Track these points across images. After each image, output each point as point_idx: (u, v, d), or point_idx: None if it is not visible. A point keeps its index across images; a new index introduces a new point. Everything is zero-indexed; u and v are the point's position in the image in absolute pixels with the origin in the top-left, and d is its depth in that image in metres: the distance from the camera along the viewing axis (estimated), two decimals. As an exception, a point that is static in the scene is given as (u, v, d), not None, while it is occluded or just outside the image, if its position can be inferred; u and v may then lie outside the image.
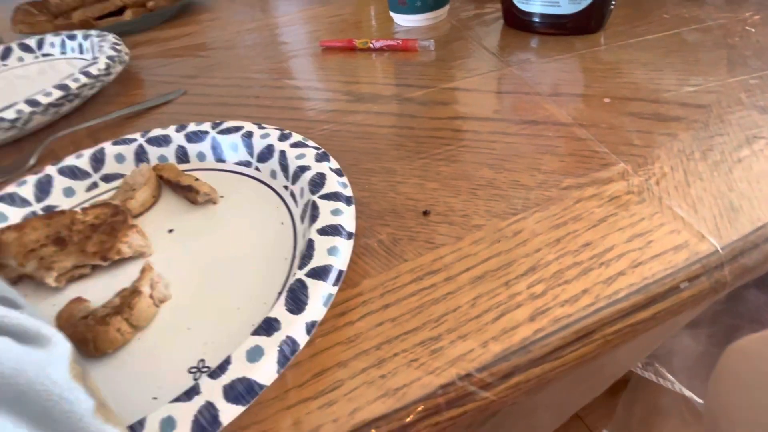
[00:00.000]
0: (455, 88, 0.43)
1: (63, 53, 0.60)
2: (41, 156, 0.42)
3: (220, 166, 0.36)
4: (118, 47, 0.53)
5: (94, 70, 0.48)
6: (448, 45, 0.51)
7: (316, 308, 0.22)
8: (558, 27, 0.48)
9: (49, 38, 0.60)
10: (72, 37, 0.60)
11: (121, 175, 0.37)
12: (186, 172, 0.35)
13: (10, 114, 0.42)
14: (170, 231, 0.31)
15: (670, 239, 0.26)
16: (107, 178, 0.37)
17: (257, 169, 0.35)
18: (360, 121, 0.40)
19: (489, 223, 0.28)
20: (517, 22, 0.50)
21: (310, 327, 0.21)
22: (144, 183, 0.33)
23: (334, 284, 0.23)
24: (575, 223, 0.27)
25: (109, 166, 0.37)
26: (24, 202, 0.34)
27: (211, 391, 0.19)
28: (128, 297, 0.25)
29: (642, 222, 0.27)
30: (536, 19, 0.48)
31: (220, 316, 0.25)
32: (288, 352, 0.20)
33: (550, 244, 0.26)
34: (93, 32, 0.58)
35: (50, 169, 0.35)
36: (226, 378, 0.19)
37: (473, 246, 0.27)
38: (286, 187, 0.32)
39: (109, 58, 0.50)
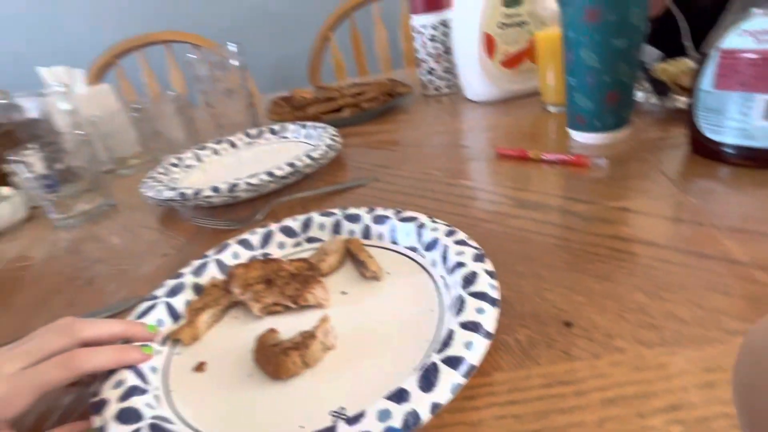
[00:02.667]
0: (622, 207, 0.43)
1: (296, 138, 0.79)
2: (267, 214, 0.55)
3: (393, 246, 0.43)
4: (335, 138, 0.68)
5: (315, 155, 0.62)
6: (623, 165, 0.52)
7: (443, 392, 0.25)
8: (754, 159, 0.45)
9: (288, 126, 0.80)
10: (304, 126, 0.78)
11: (320, 240, 0.46)
12: (366, 247, 0.43)
13: (254, 180, 0.57)
14: (343, 293, 0.39)
15: None
16: (310, 240, 0.47)
17: (422, 255, 0.41)
18: (520, 225, 0.44)
19: (632, 349, 0.28)
20: (705, 150, 0.49)
21: (434, 408, 0.25)
22: (335, 251, 0.42)
23: (464, 376, 0.26)
24: (734, 372, 0.26)
25: (313, 231, 0.47)
26: (251, 247, 0.45)
27: None
28: (307, 338, 0.32)
29: (824, 390, 0.24)
30: (729, 150, 0.47)
31: (365, 375, 0.30)
32: (411, 422, 0.24)
33: (699, 386, 0.25)
34: (319, 124, 0.75)
35: (273, 226, 0.47)
36: (358, 428, 0.24)
37: (611, 367, 0.27)
38: (442, 277, 0.37)
39: (328, 146, 0.64)
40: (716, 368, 0.26)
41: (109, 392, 0.30)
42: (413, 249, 0.42)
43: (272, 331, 0.34)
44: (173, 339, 0.36)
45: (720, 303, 0.30)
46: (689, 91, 0.49)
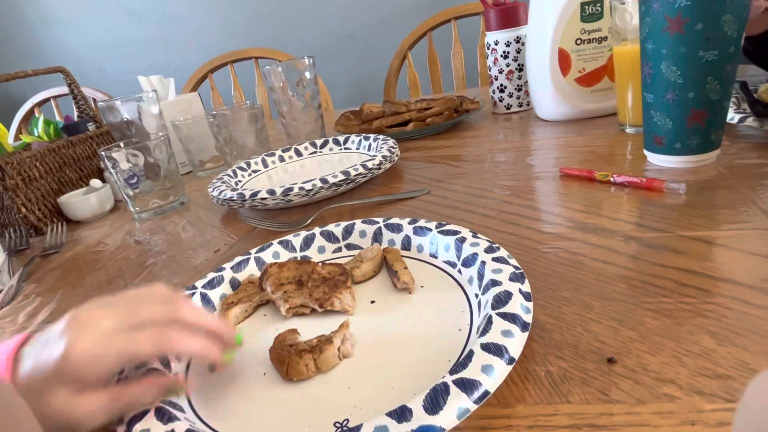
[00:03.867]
0: (698, 238, 0.38)
1: (358, 149, 0.79)
2: (315, 219, 0.56)
3: (431, 260, 0.41)
4: (392, 150, 0.67)
5: (369, 164, 0.61)
6: (706, 192, 0.45)
7: (448, 417, 0.23)
8: None
9: (352, 137, 0.81)
10: (366, 138, 0.78)
11: (360, 247, 0.46)
12: (404, 259, 0.41)
13: (308, 186, 0.58)
14: (372, 302, 0.37)
15: None
16: (350, 247, 0.46)
17: (459, 271, 0.38)
18: (574, 248, 0.40)
19: (687, 399, 0.24)
20: (812, 179, 0.42)
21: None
22: (371, 259, 0.40)
23: (476, 402, 0.23)
24: (820, 444, 0.21)
25: (354, 238, 0.46)
26: (292, 248, 0.46)
27: None
28: (323, 342, 0.31)
29: None
30: (842, 180, 0.39)
31: (376, 388, 0.28)
32: (412, 446, 0.22)
33: (767, 455, 0.20)
34: (381, 136, 0.75)
35: (316, 230, 0.47)
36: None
37: (656, 417, 0.23)
38: (476, 296, 0.34)
39: (384, 157, 0.64)
40: (795, 436, 0.21)
41: (130, 370, 0.31)
42: (452, 264, 0.39)
43: (292, 331, 0.34)
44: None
45: (810, 358, 0.25)
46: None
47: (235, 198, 0.61)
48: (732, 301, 0.30)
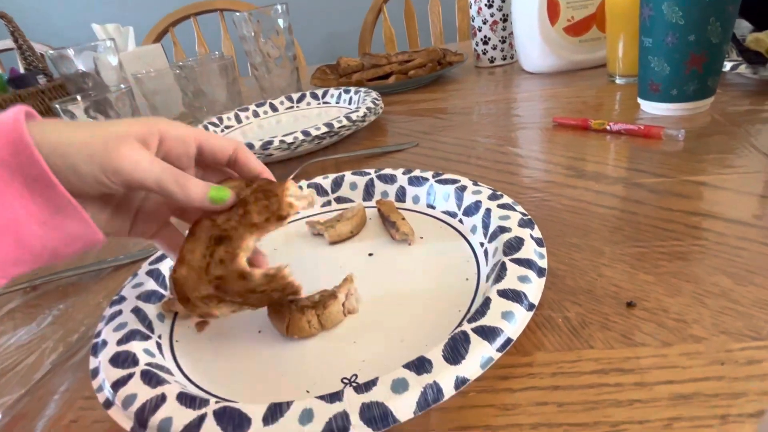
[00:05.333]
0: (702, 182, 0.37)
1: (337, 103, 0.75)
2: (298, 174, 0.52)
3: (429, 211, 0.39)
4: (376, 102, 0.64)
5: (353, 116, 0.58)
6: (704, 138, 0.45)
7: (471, 366, 0.21)
8: None
9: (331, 91, 0.76)
10: (347, 92, 0.74)
11: (351, 200, 0.43)
12: (399, 210, 0.39)
13: (288, 139, 0.54)
14: (370, 254, 0.35)
15: None
16: (340, 200, 0.43)
17: (461, 221, 0.36)
18: (576, 196, 0.38)
19: (714, 339, 0.23)
20: (810, 123, 0.41)
21: (460, 383, 0.20)
22: (349, 219, 0.37)
23: (499, 350, 0.22)
24: None
25: (344, 191, 0.43)
26: (277, 203, 0.42)
27: (351, 403, 0.20)
28: (327, 297, 0.28)
29: None
30: (840, 123, 0.39)
31: (385, 342, 0.26)
32: (431, 397, 0.20)
33: (803, 391, 0.20)
34: (362, 89, 0.71)
35: (303, 183, 0.44)
36: (367, 397, 0.20)
37: (684, 358, 0.22)
38: (482, 244, 0.32)
39: (368, 109, 0.60)
40: (828, 371, 0.20)
41: (110, 334, 0.28)
42: (452, 215, 0.37)
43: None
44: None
45: (832, 294, 0.24)
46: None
47: (209, 153, 0.56)
48: (743, 241, 0.29)
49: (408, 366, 0.21)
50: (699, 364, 0.22)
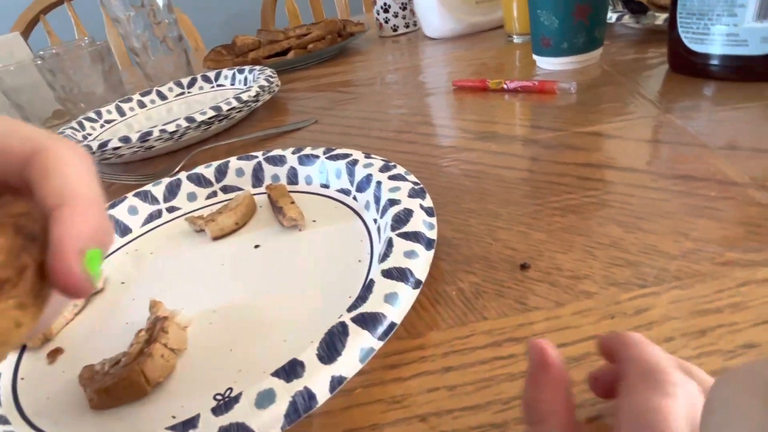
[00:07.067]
0: (594, 132, 0.37)
1: (232, 84, 0.69)
2: (185, 165, 0.47)
3: (323, 191, 0.36)
4: (271, 79, 0.59)
5: (244, 96, 0.53)
6: (595, 89, 0.45)
7: (348, 362, 0.18)
8: (743, 71, 0.39)
9: (224, 72, 0.70)
10: (241, 71, 0.68)
11: (239, 188, 0.39)
12: (290, 193, 0.36)
13: (170, 127, 0.48)
14: (256, 246, 0.31)
15: None
16: (226, 189, 0.39)
17: (355, 198, 0.33)
18: (474, 159, 0.37)
19: (604, 292, 0.22)
20: (687, 66, 0.42)
21: (337, 383, 0.18)
22: (232, 209, 0.34)
23: (381, 338, 0.19)
24: (735, 314, 0.20)
25: (230, 179, 0.39)
26: (153, 200, 0.37)
27: (207, 428, 0.17)
28: (153, 328, 0.24)
29: None
30: (714, 62, 0.40)
31: (266, 345, 0.23)
32: (302, 406, 0.17)
33: (689, 335, 0.19)
34: (257, 67, 0.66)
35: (182, 175, 0.39)
36: (226, 419, 0.17)
37: (576, 317, 0.21)
38: (375, 221, 0.30)
39: (261, 87, 0.56)
40: (708, 311, 0.20)
41: None
42: (346, 192, 0.34)
43: (88, 367, 0.24)
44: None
45: (712, 232, 0.24)
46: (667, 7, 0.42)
47: (79, 152, 0.49)
48: (632, 187, 0.29)
49: (277, 373, 0.18)
50: (590, 321, 0.21)
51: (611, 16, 0.58)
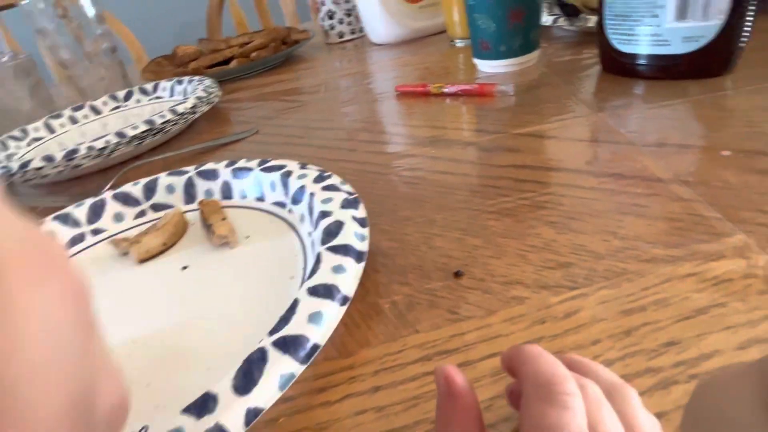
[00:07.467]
0: (530, 134, 0.37)
1: (171, 96, 0.67)
2: (116, 183, 0.44)
3: (258, 205, 0.34)
4: (210, 90, 0.57)
5: (180, 108, 0.51)
6: (532, 91, 0.45)
7: (266, 391, 0.17)
8: (668, 71, 0.40)
9: (162, 83, 0.67)
10: (180, 83, 0.66)
11: (171, 206, 0.37)
12: (224, 209, 0.34)
13: (99, 144, 0.46)
14: (184, 268, 0.30)
15: (814, 354, 0.17)
16: (156, 208, 0.37)
17: (290, 211, 0.32)
18: (413, 165, 0.36)
19: (535, 297, 0.22)
20: (617, 66, 0.43)
21: (252, 416, 0.17)
22: (158, 229, 0.32)
23: (303, 362, 0.18)
24: (658, 311, 0.20)
25: (160, 196, 0.37)
26: (75, 223, 0.35)
27: None
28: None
29: (767, 321, 0.18)
30: (641, 62, 0.41)
31: (186, 377, 0.22)
32: (212, 445, 0.16)
33: (615, 336, 0.19)
34: (196, 78, 0.63)
35: (107, 194, 0.36)
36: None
37: (507, 324, 0.21)
38: (309, 234, 0.29)
39: (198, 98, 0.53)
40: (636, 310, 0.20)
41: None
42: (282, 205, 0.33)
43: None
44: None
45: (638, 228, 0.24)
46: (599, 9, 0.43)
47: (-2, 174, 0.46)
48: (565, 187, 0.29)
49: (188, 409, 0.17)
50: (521, 328, 0.20)
51: (548, 19, 0.59)
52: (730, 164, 0.28)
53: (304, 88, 0.64)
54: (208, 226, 0.31)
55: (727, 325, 0.18)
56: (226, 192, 0.36)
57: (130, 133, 0.47)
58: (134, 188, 0.37)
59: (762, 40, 0.43)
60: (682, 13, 0.37)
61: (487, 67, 0.52)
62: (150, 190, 0.37)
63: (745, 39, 0.37)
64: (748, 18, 0.36)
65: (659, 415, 0.16)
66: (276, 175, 0.33)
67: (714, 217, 0.24)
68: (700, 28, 0.37)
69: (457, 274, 0.24)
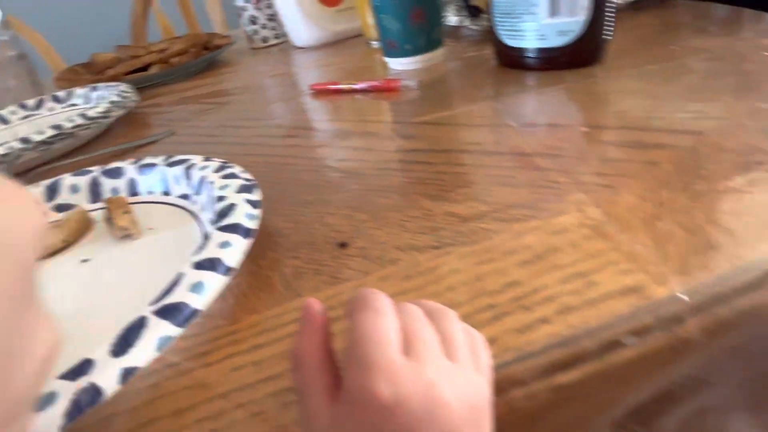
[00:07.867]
0: (425, 122, 0.40)
1: (87, 103, 0.65)
2: (21, 189, 0.43)
3: (165, 199, 0.35)
4: (124, 95, 0.56)
5: (91, 113, 0.50)
6: (435, 85, 0.49)
7: (142, 352, 0.18)
8: (551, 62, 0.45)
9: (77, 90, 0.66)
10: (94, 89, 0.64)
11: (75, 206, 0.37)
12: (129, 204, 0.34)
13: (1, 150, 0.44)
14: (84, 261, 0.30)
15: (619, 281, 0.20)
16: (60, 208, 0.37)
17: (195, 202, 0.33)
18: (319, 155, 0.38)
19: (407, 258, 0.24)
20: (509, 60, 0.48)
21: (127, 374, 0.18)
22: (59, 226, 0.32)
23: (182, 325, 0.20)
24: (505, 259, 0.23)
25: (64, 197, 0.37)
26: (-30, 228, 0.34)
27: None
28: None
29: (589, 260, 0.22)
30: (529, 55, 0.45)
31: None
32: (85, 401, 0.17)
33: (467, 283, 0.22)
34: (112, 84, 0.62)
35: None
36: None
37: (379, 282, 0.23)
38: (212, 222, 0.30)
39: (112, 102, 0.53)
40: (489, 260, 0.23)
41: None
42: (186, 197, 0.34)
43: None
44: None
45: (502, 195, 0.28)
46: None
47: None
48: (447, 166, 0.32)
49: (65, 375, 0.18)
50: (390, 285, 0.23)
51: (454, 20, 0.63)
52: (585, 138, 0.32)
53: (224, 91, 0.65)
54: (109, 220, 0.31)
55: (558, 265, 0.22)
56: (133, 189, 0.36)
57: (36, 138, 0.46)
58: (35, 190, 0.36)
59: (629, 36, 0.49)
60: (554, 10, 0.42)
61: (396, 64, 0.55)
62: (52, 191, 0.36)
63: (609, 32, 0.42)
64: (608, 14, 0.41)
65: (491, 341, 0.19)
66: (180, 169, 0.34)
67: (564, 182, 0.28)
68: (569, 23, 0.41)
69: (342, 245, 0.26)
